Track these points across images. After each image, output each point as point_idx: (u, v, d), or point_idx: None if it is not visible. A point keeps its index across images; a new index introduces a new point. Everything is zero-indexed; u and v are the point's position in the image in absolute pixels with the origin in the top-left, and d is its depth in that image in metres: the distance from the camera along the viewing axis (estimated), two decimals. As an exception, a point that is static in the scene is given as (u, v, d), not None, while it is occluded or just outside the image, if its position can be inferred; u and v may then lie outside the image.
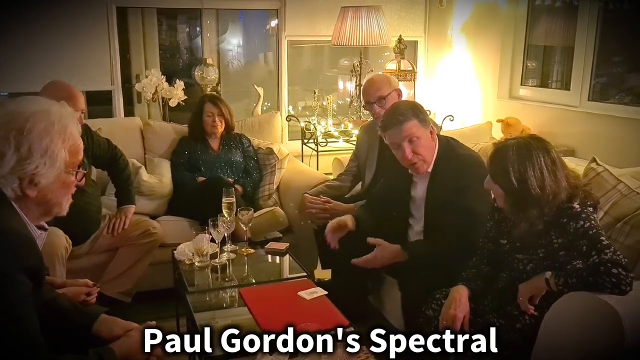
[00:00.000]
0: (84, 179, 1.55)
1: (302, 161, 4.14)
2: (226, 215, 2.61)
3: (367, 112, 3.13)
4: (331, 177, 3.73)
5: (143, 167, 3.39)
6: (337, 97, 4.86)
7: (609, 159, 2.66)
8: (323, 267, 3.13)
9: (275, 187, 3.61)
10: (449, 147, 2.40)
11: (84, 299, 1.96)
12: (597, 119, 3.22)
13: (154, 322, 1.71)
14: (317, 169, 3.98)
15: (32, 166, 1.40)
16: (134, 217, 3.03)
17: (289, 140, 4.39)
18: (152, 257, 3.02)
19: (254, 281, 2.36)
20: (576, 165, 2.95)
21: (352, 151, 3.99)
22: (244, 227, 2.62)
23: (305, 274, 2.42)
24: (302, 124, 4.12)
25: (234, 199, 2.64)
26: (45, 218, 1.54)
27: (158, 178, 3.37)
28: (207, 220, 3.10)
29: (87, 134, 2.91)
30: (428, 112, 2.50)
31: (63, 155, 1.44)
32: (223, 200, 2.63)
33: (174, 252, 2.60)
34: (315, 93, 4.20)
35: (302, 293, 2.19)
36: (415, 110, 2.34)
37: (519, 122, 3.51)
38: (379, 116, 2.98)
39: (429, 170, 2.40)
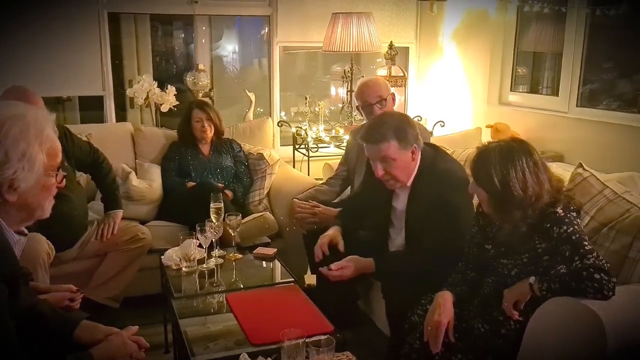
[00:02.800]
0: (64, 180, 1.55)
1: (294, 166, 4.14)
2: (214, 220, 2.61)
3: (362, 116, 3.11)
4: (321, 182, 3.74)
5: (133, 172, 3.39)
6: (330, 103, 4.86)
7: (597, 165, 2.67)
8: (313, 272, 3.12)
9: (265, 192, 3.61)
10: (431, 161, 2.36)
11: (67, 304, 1.95)
12: (586, 125, 3.23)
13: (135, 327, 1.70)
14: (308, 174, 3.98)
15: (10, 171, 1.39)
16: (122, 223, 3.02)
17: (280, 145, 4.39)
18: (140, 263, 3.02)
19: (241, 286, 2.35)
20: (564, 170, 2.96)
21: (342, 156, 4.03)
22: (232, 232, 2.61)
23: (292, 279, 2.42)
24: (294, 130, 4.12)
25: (222, 204, 2.64)
26: (26, 222, 1.54)
27: (148, 183, 3.37)
28: (196, 224, 3.14)
29: (67, 136, 2.91)
30: (419, 119, 2.46)
31: (41, 159, 1.44)
32: (211, 205, 2.62)
33: (162, 257, 2.59)
34: (306, 99, 4.21)
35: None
36: (398, 131, 2.26)
37: (508, 128, 3.53)
38: None
39: (409, 184, 2.38)
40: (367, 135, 2.32)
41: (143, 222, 3.30)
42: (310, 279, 3.24)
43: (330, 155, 4.05)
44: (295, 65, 5.19)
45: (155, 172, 3.46)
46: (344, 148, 4.02)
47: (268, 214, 3.42)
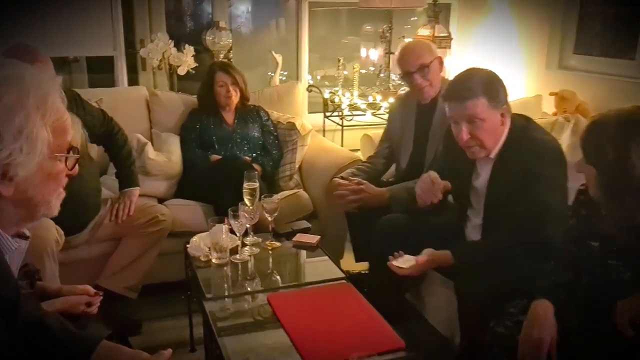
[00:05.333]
0: (76, 166, 1.18)
1: (324, 136, 3.75)
2: (248, 203, 2.23)
3: (404, 83, 2.71)
4: (358, 154, 3.35)
5: (149, 143, 3.01)
6: (360, 66, 4.44)
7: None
8: (357, 260, 2.77)
9: (297, 166, 3.23)
10: (522, 130, 2.00)
11: (83, 310, 1.60)
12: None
13: (169, 352, 1.35)
14: (342, 146, 3.59)
15: (3, 154, 1.02)
16: (139, 202, 2.65)
17: (308, 113, 3.99)
18: (160, 247, 2.66)
19: (283, 284, 1.98)
20: None
21: (380, 126, 3.62)
22: (268, 218, 2.24)
23: (344, 275, 2.05)
24: (327, 95, 3.71)
25: (257, 184, 2.26)
26: (27, 222, 1.17)
27: (166, 156, 2.99)
28: (221, 204, 2.74)
29: (77, 102, 2.52)
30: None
31: (45, 136, 1.06)
32: (245, 185, 2.25)
33: (187, 246, 2.22)
34: (339, 61, 3.78)
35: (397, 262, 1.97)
36: (488, 86, 1.92)
37: (575, 96, 3.11)
38: (421, 88, 2.59)
39: (493, 156, 2.01)
40: (450, 92, 1.97)
41: (161, 201, 2.94)
42: (348, 264, 2.90)
43: (366, 124, 3.66)
44: (317, 24, 4.74)
45: (174, 144, 3.07)
46: (382, 117, 3.65)
47: (302, 191, 3.05)
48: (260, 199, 2.24)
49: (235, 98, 3.16)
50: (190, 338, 2.44)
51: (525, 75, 3.60)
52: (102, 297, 1.69)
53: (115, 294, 2.55)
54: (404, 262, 1.98)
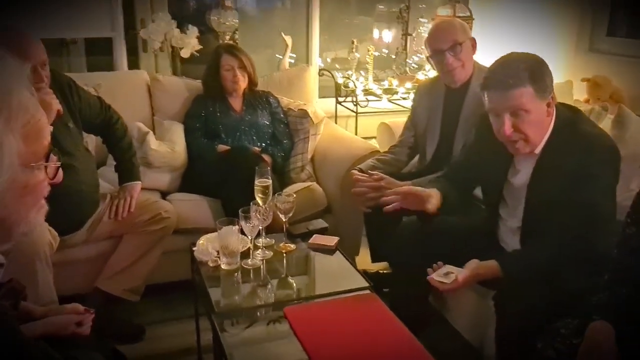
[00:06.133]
0: (59, 173, 0.98)
1: (336, 123, 3.53)
2: (260, 202, 2.03)
3: (432, 65, 2.48)
4: (374, 142, 3.15)
5: (151, 132, 2.80)
6: (374, 49, 4.20)
7: None
8: (374, 260, 2.58)
9: (309, 157, 3.02)
10: (570, 123, 1.78)
11: (74, 331, 1.41)
12: None
13: None
14: (356, 134, 3.38)
15: None
16: (141, 197, 2.45)
17: (319, 98, 3.76)
18: (164, 246, 2.46)
19: (301, 296, 1.78)
20: None
21: (397, 112, 3.41)
22: (282, 218, 2.04)
23: (368, 284, 1.85)
24: (341, 80, 3.48)
25: (270, 181, 2.05)
26: (2, 245, 0.97)
27: (170, 146, 2.78)
28: (230, 199, 2.58)
29: (71, 89, 2.30)
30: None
31: (13, 145, 0.86)
32: (256, 182, 2.04)
33: (194, 249, 2.02)
34: (353, 43, 3.54)
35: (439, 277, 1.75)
36: (535, 73, 1.69)
37: (609, 83, 2.88)
38: (452, 69, 2.36)
39: (537, 151, 1.79)
40: (491, 79, 1.73)
41: (164, 194, 2.74)
42: (363, 262, 2.71)
43: (382, 111, 3.43)
44: (326, 3, 4.49)
45: (178, 133, 2.86)
46: (399, 103, 3.43)
47: (315, 185, 2.84)
48: (272, 197, 2.04)
49: (242, 83, 2.94)
50: (198, 345, 2.25)
51: (554, 59, 3.31)
52: (93, 315, 1.50)
53: (115, 297, 2.37)
54: (446, 276, 1.76)
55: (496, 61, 1.77)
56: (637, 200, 1.54)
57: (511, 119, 1.72)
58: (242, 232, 1.96)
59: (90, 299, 2.33)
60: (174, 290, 2.55)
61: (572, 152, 1.71)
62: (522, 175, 1.87)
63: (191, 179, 2.80)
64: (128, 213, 2.38)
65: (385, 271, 2.70)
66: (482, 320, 2.15)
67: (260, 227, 1.97)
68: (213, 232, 2.48)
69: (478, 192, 2.19)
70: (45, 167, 0.93)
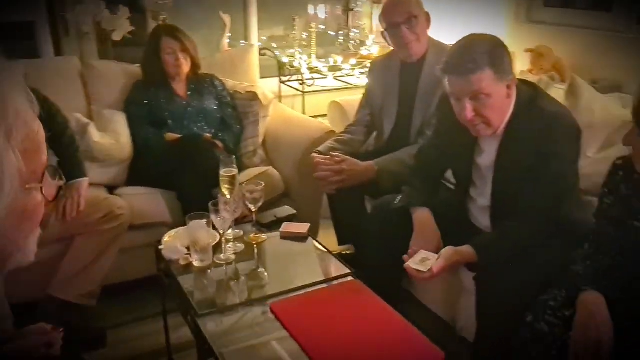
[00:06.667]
0: (61, 191, 0.86)
1: (281, 103, 3.44)
2: (226, 193, 1.94)
3: (387, 40, 2.44)
4: (325, 121, 3.10)
5: (92, 123, 2.60)
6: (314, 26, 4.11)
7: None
8: (340, 243, 2.54)
9: (260, 140, 2.92)
10: (530, 100, 1.78)
11: (44, 354, 1.28)
12: (649, 47, 2.71)
13: None
14: (303, 114, 3.31)
15: None
16: (90, 195, 2.28)
17: (260, 78, 3.64)
18: (120, 245, 2.31)
19: (284, 289, 1.71)
20: (625, 103, 2.46)
21: (344, 90, 3.38)
22: (252, 208, 1.95)
23: (350, 271, 1.81)
24: (286, 59, 3.38)
25: (236, 171, 1.96)
26: None
27: (114, 137, 2.60)
28: (185, 190, 2.47)
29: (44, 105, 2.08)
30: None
31: (13, 163, 0.74)
32: (221, 172, 1.94)
33: (161, 249, 1.91)
34: (294, 20, 3.44)
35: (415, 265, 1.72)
36: (494, 56, 1.67)
37: (551, 52, 2.95)
38: (408, 42, 2.34)
39: (499, 132, 1.79)
40: (451, 63, 1.70)
41: (111, 189, 2.57)
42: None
43: (329, 89, 3.38)
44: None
45: (121, 122, 2.68)
46: (345, 81, 3.39)
47: (272, 169, 2.76)
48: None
49: (185, 67, 2.79)
50: (167, 346, 2.14)
51: (494, 32, 3.40)
52: (62, 333, 1.37)
53: (70, 303, 2.21)
54: (422, 264, 1.74)
55: (456, 44, 1.74)
56: (613, 170, 1.58)
57: (472, 102, 1.70)
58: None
59: (43, 307, 2.17)
60: (133, 289, 2.42)
61: (534, 131, 1.72)
62: (487, 155, 1.87)
63: (139, 171, 2.64)
64: (77, 212, 2.20)
65: (348, 252, 2.67)
66: (452, 295, 2.18)
67: (232, 220, 1.87)
68: (171, 226, 2.38)
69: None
70: (41, 187, 0.81)
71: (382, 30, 2.44)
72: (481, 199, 1.94)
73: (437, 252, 1.86)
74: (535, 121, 1.75)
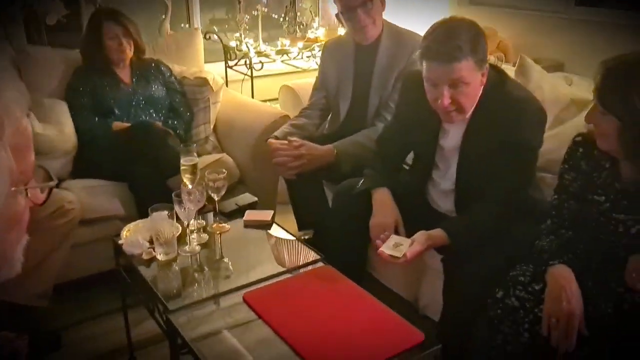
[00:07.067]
0: (50, 193, 0.80)
1: (227, 87, 3.36)
2: (188, 183, 1.87)
3: (343, 22, 2.41)
4: (276, 106, 3.06)
5: (31, 114, 2.44)
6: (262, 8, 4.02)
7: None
8: (300, 228, 2.52)
9: (212, 127, 2.85)
10: (497, 85, 1.79)
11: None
12: (588, 27, 2.82)
13: None
14: (252, 98, 3.25)
15: None
16: (36, 190, 2.14)
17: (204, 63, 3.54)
18: (71, 241, 2.20)
19: (255, 279, 1.67)
20: (567, 81, 2.56)
21: (293, 74, 3.34)
22: (214, 197, 1.90)
23: (320, 256, 1.79)
24: (234, 43, 3.30)
25: (197, 159, 1.90)
26: None
27: (56, 128, 2.45)
28: (137, 181, 2.40)
29: None
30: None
31: (4, 162, 0.68)
32: (182, 161, 1.88)
33: (121, 243, 1.82)
34: (240, 3, 3.36)
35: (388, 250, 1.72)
36: (476, 44, 1.66)
37: (495, 34, 3.03)
38: (364, 25, 2.33)
39: (467, 115, 1.81)
40: (434, 49, 1.67)
41: (57, 183, 2.43)
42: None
43: (277, 73, 3.33)
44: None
45: (63, 112, 2.53)
46: (292, 64, 3.35)
47: (226, 156, 2.70)
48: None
49: (129, 52, 2.67)
50: (129, 344, 2.06)
51: (438, 13, 3.45)
52: (27, 340, 1.29)
53: (20, 305, 2.08)
54: (396, 249, 1.75)
55: (436, 28, 1.71)
56: (573, 147, 1.63)
57: (450, 90, 1.70)
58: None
59: (-10, 312, 2.04)
60: (86, 286, 2.32)
61: (502, 116, 1.74)
62: (452, 137, 1.88)
63: (86, 162, 2.51)
64: (24, 209, 2.07)
65: (307, 237, 2.65)
66: (414, 275, 2.21)
67: (195, 211, 1.81)
68: (125, 218, 2.30)
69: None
70: (26, 190, 0.74)
71: (336, 12, 2.41)
72: (444, 182, 1.96)
73: (395, 227, 1.89)
74: (503, 106, 1.77)
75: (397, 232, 1.90)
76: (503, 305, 1.58)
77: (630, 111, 1.37)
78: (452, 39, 1.64)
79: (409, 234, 1.85)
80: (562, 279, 1.48)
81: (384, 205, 1.96)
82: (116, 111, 2.59)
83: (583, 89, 2.45)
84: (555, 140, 2.11)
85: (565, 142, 2.17)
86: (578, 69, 2.79)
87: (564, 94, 2.33)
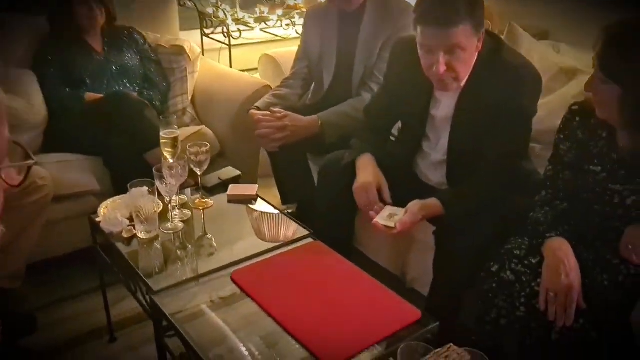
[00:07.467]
0: (27, 176, 0.72)
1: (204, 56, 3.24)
2: (168, 156, 1.79)
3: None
4: (255, 76, 2.96)
5: (-2, 85, 2.30)
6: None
7: (589, 42, 2.25)
8: (284, 203, 2.45)
9: (190, 97, 2.74)
10: (494, 54, 1.72)
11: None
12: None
13: None
14: (231, 68, 3.13)
15: None
16: (11, 170, 2.02)
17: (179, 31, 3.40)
18: (44, 219, 2.09)
19: (243, 256, 1.60)
20: (553, 49, 2.52)
21: (273, 43, 3.23)
22: (197, 172, 1.81)
23: (308, 232, 1.73)
24: (211, 10, 3.16)
25: (178, 132, 1.81)
26: None
27: (25, 99, 2.32)
28: (113, 155, 2.30)
29: None
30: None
31: None
32: (162, 134, 1.79)
33: (99, 221, 1.73)
34: (216, -33, 3.21)
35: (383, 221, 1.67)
36: (474, 7, 1.58)
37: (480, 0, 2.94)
38: None
39: (462, 83, 1.74)
40: (430, 13, 1.59)
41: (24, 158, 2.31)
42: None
43: (256, 41, 3.22)
44: None
45: (31, 83, 2.39)
46: (273, 32, 3.23)
47: (205, 128, 2.60)
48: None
49: (100, 18, 2.53)
50: (109, 323, 1.99)
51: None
52: (0, 324, 1.22)
53: (-7, 287, 1.99)
54: (390, 219, 1.69)
55: None
56: (569, 116, 1.59)
57: (446, 57, 1.62)
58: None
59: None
60: (62, 265, 2.23)
61: (499, 84, 1.68)
62: (444, 107, 1.81)
63: (57, 136, 2.38)
64: (-8, 186, 1.96)
65: (290, 211, 2.60)
66: (401, 248, 2.17)
67: (177, 186, 1.73)
68: (100, 194, 2.20)
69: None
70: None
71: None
72: (435, 153, 1.90)
73: (379, 190, 1.82)
74: (499, 73, 1.70)
75: (381, 195, 1.83)
76: (498, 279, 1.54)
77: (633, 78, 1.31)
78: (448, 2, 1.56)
79: (399, 207, 1.80)
80: (560, 252, 1.45)
81: (365, 168, 1.89)
82: (88, 81, 2.46)
83: (571, 57, 2.42)
84: (545, 110, 2.06)
85: (555, 112, 2.16)
86: (563, 37, 2.73)
87: (554, 62, 2.29)
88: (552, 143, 1.65)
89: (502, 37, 2.40)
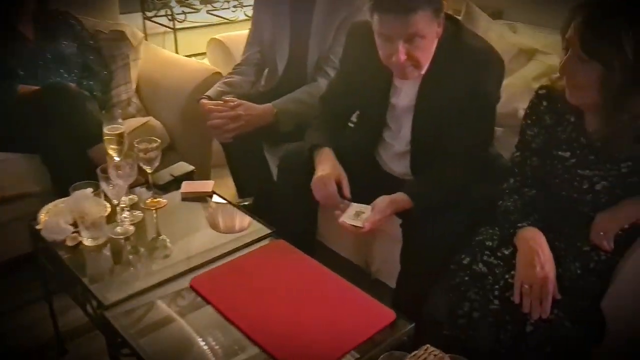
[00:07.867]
0: None
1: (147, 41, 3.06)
2: (114, 155, 1.64)
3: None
4: (204, 61, 2.82)
5: None
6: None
7: (545, 21, 2.27)
8: (241, 196, 2.34)
9: (134, 87, 2.57)
10: (454, 38, 1.65)
11: None
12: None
13: None
14: (176, 53, 2.97)
15: None
16: None
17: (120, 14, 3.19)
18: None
19: (202, 261, 1.50)
20: (508, 29, 2.49)
21: (221, 26, 3.08)
22: (147, 169, 1.68)
23: (270, 230, 1.63)
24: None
25: (123, 127, 1.66)
26: None
27: (-51, 94, 2.11)
28: (53, 152, 2.12)
29: None
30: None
31: None
32: (105, 130, 1.64)
33: (40, 229, 1.58)
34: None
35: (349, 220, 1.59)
36: None
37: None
38: None
39: (422, 70, 1.67)
40: (390, 0, 1.50)
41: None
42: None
43: (203, 24, 3.06)
44: None
45: (-45, 74, 2.18)
46: (220, 15, 3.08)
47: (153, 119, 2.44)
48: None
49: (31, 2, 2.32)
50: (56, 336, 1.84)
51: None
52: None
53: None
54: (357, 218, 1.61)
55: None
56: (536, 100, 1.54)
57: (405, 45, 1.54)
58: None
59: None
60: (5, 273, 2.06)
61: (462, 70, 1.62)
62: (405, 95, 1.74)
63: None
64: None
65: (246, 203, 2.49)
66: (364, 240, 2.10)
67: (126, 186, 1.59)
68: (39, 195, 2.05)
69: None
70: None
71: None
72: (397, 143, 1.82)
73: (338, 183, 1.73)
74: (461, 58, 1.63)
75: (340, 189, 1.75)
76: (470, 271, 1.49)
77: (617, 55, 1.26)
78: None
79: (363, 200, 1.72)
80: (534, 242, 1.40)
81: (324, 161, 1.79)
82: (20, 72, 2.25)
83: (528, 37, 2.38)
84: (506, 93, 2.01)
85: (515, 95, 2.13)
86: (517, 16, 2.70)
87: (513, 43, 2.24)
88: (513, 126, 1.61)
89: (459, 17, 2.35)
